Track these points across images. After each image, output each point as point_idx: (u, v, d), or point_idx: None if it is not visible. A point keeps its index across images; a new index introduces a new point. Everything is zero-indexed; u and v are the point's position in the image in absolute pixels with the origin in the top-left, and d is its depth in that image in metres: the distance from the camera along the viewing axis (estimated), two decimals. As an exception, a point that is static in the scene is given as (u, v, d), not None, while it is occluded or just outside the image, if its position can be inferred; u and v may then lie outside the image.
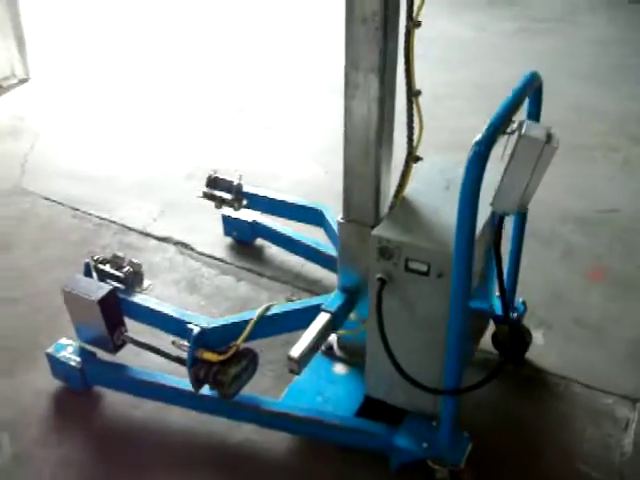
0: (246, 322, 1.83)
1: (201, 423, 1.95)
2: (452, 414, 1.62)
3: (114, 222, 2.93)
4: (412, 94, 1.57)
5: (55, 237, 2.83)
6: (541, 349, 2.22)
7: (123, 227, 2.90)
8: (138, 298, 1.99)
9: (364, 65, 1.54)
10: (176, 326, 1.91)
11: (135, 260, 2.07)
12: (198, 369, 1.82)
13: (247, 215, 2.65)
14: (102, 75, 4.45)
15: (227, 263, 2.68)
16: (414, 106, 1.59)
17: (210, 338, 1.84)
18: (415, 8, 1.48)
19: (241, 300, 2.46)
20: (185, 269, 2.65)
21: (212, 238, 2.79)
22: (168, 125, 3.80)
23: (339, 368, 2.01)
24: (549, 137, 1.38)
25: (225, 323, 1.88)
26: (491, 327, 2.13)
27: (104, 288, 1.95)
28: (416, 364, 1.63)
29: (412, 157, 1.66)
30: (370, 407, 1.86)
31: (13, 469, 1.85)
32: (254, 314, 1.84)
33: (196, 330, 1.83)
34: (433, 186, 1.79)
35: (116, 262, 2.07)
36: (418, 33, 1.54)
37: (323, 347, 2.03)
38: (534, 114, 1.74)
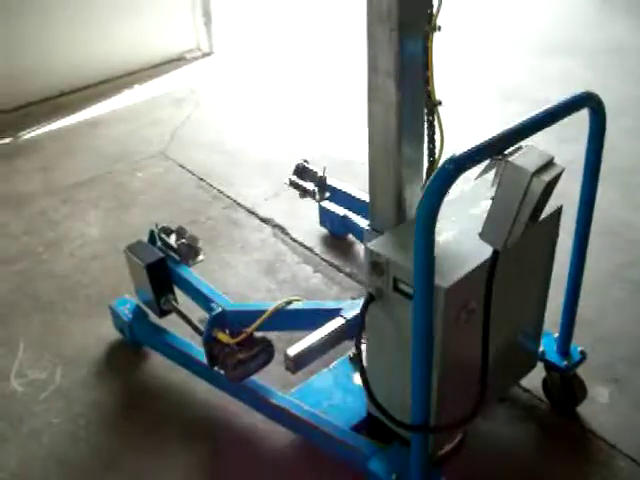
0: (263, 312, 1.86)
1: (220, 399, 2.03)
2: (420, 450, 1.50)
3: (229, 197, 3.12)
4: (431, 104, 1.46)
5: (172, 203, 3.09)
6: (602, 408, 1.96)
7: (234, 203, 3.07)
8: (182, 270, 2.11)
9: (382, 68, 1.47)
10: (204, 303, 2.01)
11: (194, 235, 2.21)
12: (212, 347, 1.90)
13: (340, 208, 2.66)
14: (277, 55, 4.69)
15: (313, 253, 2.72)
16: (435, 116, 1.48)
17: (228, 320, 1.91)
18: (434, 11, 1.38)
19: (309, 292, 2.49)
20: (272, 251, 2.74)
21: (309, 227, 2.84)
22: (317, 111, 3.91)
23: (358, 378, 1.96)
24: (543, 168, 1.21)
25: (244, 309, 1.93)
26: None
27: (155, 255, 2.11)
28: (402, 389, 1.55)
29: (433, 170, 1.56)
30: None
31: (51, 402, 2.10)
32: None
33: (216, 310, 1.92)
34: (453, 207, 1.66)
35: (178, 233, 2.22)
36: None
37: (351, 353, 2.00)
38: (593, 148, 1.54)
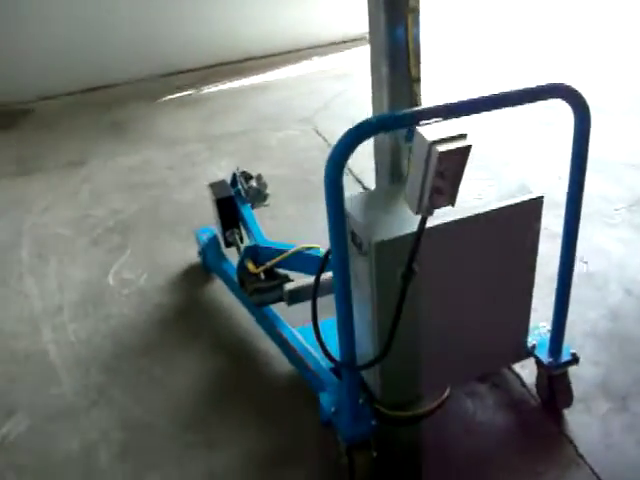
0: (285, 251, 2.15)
1: (250, 323, 2.35)
2: (349, 388, 1.69)
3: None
4: (410, 79, 1.63)
5: (295, 162, 3.45)
6: (594, 420, 1.94)
7: (349, 171, 3.36)
8: (245, 209, 2.46)
9: (376, 46, 1.66)
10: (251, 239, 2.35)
11: (266, 182, 2.55)
12: (242, 274, 2.23)
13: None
14: (456, 49, 4.83)
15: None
16: (414, 92, 1.64)
17: (260, 253, 2.23)
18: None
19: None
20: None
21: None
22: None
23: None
24: (447, 140, 1.33)
25: (273, 247, 2.23)
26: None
27: (226, 192, 2.48)
28: (360, 339, 1.75)
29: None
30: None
31: (130, 297, 2.59)
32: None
33: (251, 243, 2.25)
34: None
35: (257, 179, 2.58)
36: None
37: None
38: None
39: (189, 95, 4.35)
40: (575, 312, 2.31)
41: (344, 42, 4.86)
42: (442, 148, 1.34)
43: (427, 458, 1.89)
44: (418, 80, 1.64)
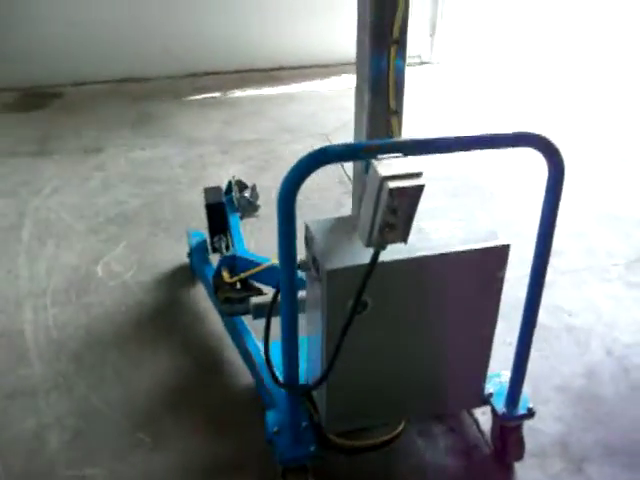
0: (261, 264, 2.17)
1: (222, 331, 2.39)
2: (290, 410, 1.70)
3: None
4: (389, 112, 1.63)
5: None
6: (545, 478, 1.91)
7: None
8: (233, 218, 2.49)
9: (360, 71, 1.68)
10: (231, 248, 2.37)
11: (258, 194, 2.58)
12: (217, 282, 2.25)
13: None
14: (498, 73, 4.81)
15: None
16: (392, 124, 1.65)
17: (237, 264, 2.25)
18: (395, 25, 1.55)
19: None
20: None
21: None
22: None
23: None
24: (401, 177, 1.34)
25: (250, 258, 2.24)
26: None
27: (217, 199, 2.51)
28: (314, 363, 1.76)
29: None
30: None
31: (113, 289, 2.63)
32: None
33: (228, 253, 2.27)
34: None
35: (251, 190, 2.61)
36: None
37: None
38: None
39: (215, 97, 4.41)
40: (549, 365, 2.30)
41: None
42: (393, 184, 1.35)
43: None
44: (396, 112, 1.65)
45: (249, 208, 2.56)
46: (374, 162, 1.37)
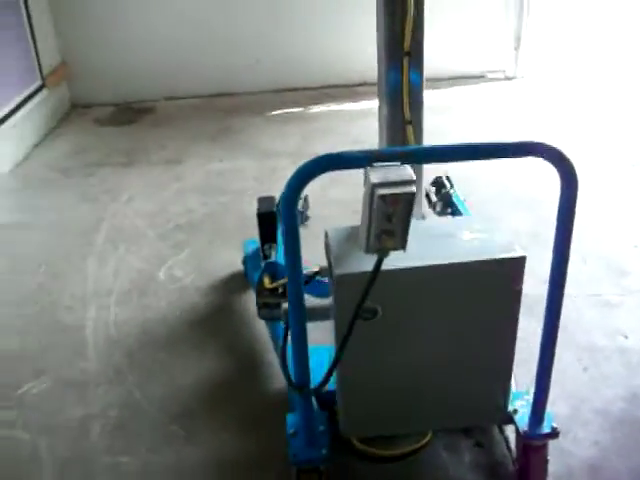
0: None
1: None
2: (302, 411, 1.75)
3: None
4: (404, 121, 1.66)
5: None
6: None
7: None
8: (280, 226, 2.58)
9: (380, 85, 1.72)
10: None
11: (309, 204, 2.65)
12: (258, 286, 2.34)
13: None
14: (584, 90, 4.66)
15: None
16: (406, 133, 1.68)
17: (279, 270, 2.33)
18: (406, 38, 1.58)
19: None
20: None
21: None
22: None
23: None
24: (392, 185, 1.37)
25: (290, 266, 2.32)
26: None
27: (269, 208, 2.61)
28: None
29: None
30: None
31: (172, 292, 2.80)
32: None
33: (271, 260, 2.35)
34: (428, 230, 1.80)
35: (303, 200, 2.69)
36: None
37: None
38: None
39: (296, 112, 4.56)
40: (594, 386, 2.22)
41: (459, 78, 4.86)
42: (384, 191, 1.39)
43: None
44: (410, 122, 1.68)
45: (300, 218, 2.64)
46: (368, 169, 1.42)
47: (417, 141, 1.77)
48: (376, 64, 1.75)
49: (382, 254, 1.51)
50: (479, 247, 1.69)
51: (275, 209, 2.61)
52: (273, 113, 4.59)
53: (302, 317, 1.63)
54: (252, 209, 3.39)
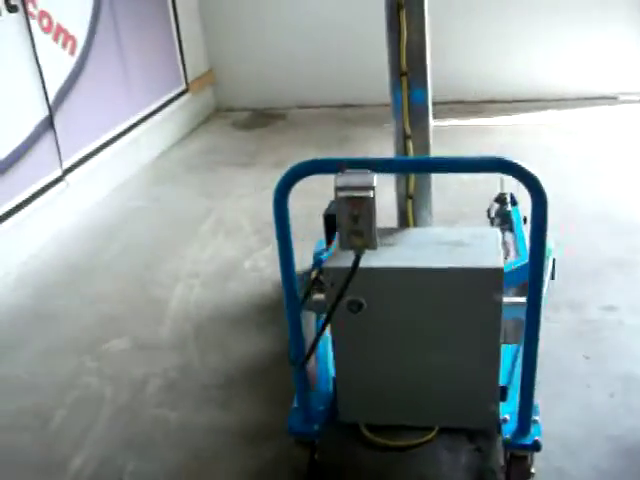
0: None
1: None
2: (296, 384, 1.99)
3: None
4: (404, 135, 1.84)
5: (450, 203, 3.64)
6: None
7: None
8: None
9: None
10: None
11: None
12: (307, 279, 2.60)
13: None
14: None
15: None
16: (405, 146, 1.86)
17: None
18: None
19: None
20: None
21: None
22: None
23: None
24: (355, 189, 1.57)
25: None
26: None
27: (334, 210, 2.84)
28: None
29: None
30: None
31: (251, 279, 3.14)
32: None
33: (323, 256, 2.60)
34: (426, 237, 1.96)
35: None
36: None
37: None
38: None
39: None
40: (615, 414, 2.22)
41: (589, 99, 4.77)
42: (343, 194, 1.60)
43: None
44: (409, 137, 1.86)
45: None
46: (337, 175, 1.64)
47: (418, 154, 1.95)
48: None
49: (358, 252, 1.72)
50: (463, 256, 1.83)
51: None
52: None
53: (295, 303, 1.87)
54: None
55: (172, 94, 4.69)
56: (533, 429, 1.92)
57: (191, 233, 3.60)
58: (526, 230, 2.88)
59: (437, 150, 4.27)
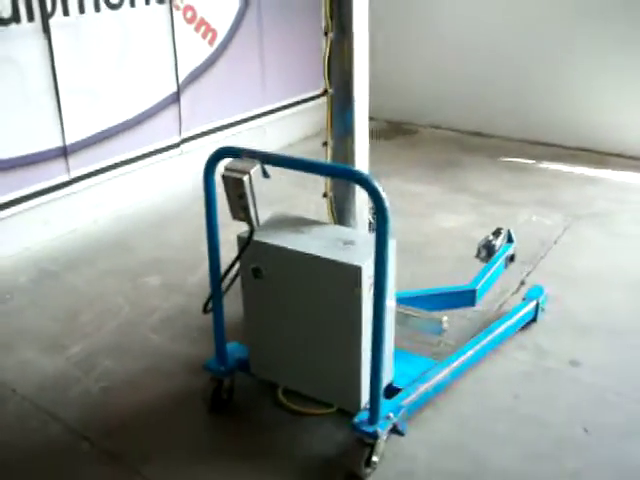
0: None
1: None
2: (215, 331, 2.46)
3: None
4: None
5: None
6: None
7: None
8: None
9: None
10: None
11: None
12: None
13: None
14: None
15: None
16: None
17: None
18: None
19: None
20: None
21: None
22: None
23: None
24: (240, 172, 2.01)
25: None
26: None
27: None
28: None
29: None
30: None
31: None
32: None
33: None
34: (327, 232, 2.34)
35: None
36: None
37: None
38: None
39: (526, 164, 4.88)
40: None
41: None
42: (225, 173, 2.07)
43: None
44: (326, 143, 2.28)
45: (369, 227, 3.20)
46: (231, 160, 2.10)
47: (332, 160, 2.38)
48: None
49: (250, 226, 2.16)
50: (342, 251, 2.18)
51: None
52: (504, 159, 4.99)
53: (217, 266, 2.36)
54: (428, 229, 3.96)
55: (308, 94, 5.31)
56: (381, 423, 2.21)
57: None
58: (506, 266, 3.06)
59: (540, 190, 4.45)
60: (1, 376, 2.81)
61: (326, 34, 2.14)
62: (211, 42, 4.41)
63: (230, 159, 2.18)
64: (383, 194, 1.95)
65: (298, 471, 2.33)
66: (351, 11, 2.10)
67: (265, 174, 2.11)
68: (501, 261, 2.94)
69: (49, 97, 3.64)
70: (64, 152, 3.78)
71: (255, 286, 2.35)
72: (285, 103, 5.16)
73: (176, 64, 4.24)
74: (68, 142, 3.78)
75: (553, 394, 2.65)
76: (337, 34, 2.14)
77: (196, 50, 4.35)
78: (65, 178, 3.83)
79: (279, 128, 5.20)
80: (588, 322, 3.07)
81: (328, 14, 2.11)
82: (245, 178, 2.04)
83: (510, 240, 3.09)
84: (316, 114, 5.49)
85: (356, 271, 2.12)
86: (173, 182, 4.55)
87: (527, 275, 3.43)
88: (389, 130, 5.70)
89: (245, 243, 2.22)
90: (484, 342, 2.70)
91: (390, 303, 2.25)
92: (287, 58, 5.07)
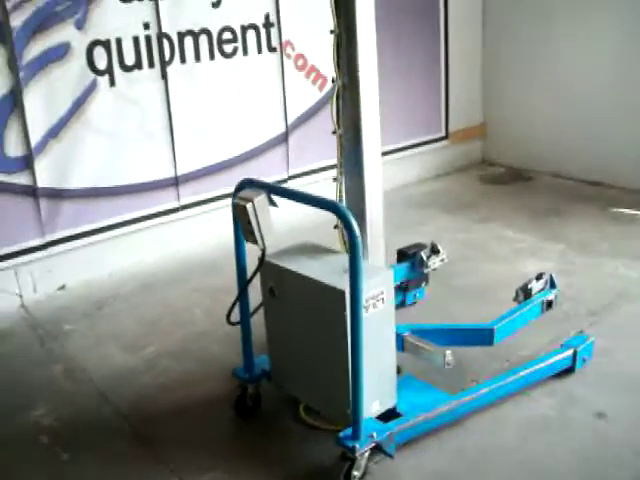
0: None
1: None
2: (243, 342, 2.80)
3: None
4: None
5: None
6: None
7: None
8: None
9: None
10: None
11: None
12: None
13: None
14: None
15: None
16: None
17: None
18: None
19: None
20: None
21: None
22: None
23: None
24: (248, 200, 2.35)
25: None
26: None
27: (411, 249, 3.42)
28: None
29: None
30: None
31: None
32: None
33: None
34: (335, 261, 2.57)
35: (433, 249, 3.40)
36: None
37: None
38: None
39: (635, 215, 4.75)
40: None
41: None
42: (234, 200, 2.43)
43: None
44: (335, 179, 2.56)
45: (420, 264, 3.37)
46: (245, 190, 2.45)
47: (341, 194, 2.63)
48: None
49: (262, 249, 2.50)
50: (338, 277, 2.42)
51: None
52: (614, 210, 4.89)
53: (244, 277, 2.71)
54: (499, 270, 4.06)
55: (427, 138, 5.55)
56: (362, 440, 2.40)
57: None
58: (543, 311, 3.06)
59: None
60: (84, 364, 3.39)
61: (333, 81, 2.44)
62: (321, 88, 4.84)
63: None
64: (355, 225, 2.20)
65: (282, 476, 2.59)
66: (356, 60, 2.39)
67: (272, 203, 2.44)
68: (533, 305, 2.98)
69: (166, 133, 4.27)
70: (176, 182, 4.39)
71: (271, 304, 2.68)
72: (399, 146, 5.43)
73: (285, 108, 4.72)
74: (179, 173, 4.38)
75: (565, 443, 2.66)
76: (345, 82, 2.44)
77: (305, 95, 4.81)
78: (175, 205, 4.44)
79: (393, 169, 5.46)
80: (631, 378, 3.01)
81: (336, 62, 2.41)
82: (248, 206, 2.39)
83: (553, 285, 3.11)
84: (434, 159, 5.74)
85: (339, 295, 2.36)
86: (273, 213, 4.96)
87: (591, 325, 3.41)
88: (507, 176, 5.78)
89: (259, 263, 2.56)
90: (503, 382, 2.78)
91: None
92: (406, 102, 5.37)
